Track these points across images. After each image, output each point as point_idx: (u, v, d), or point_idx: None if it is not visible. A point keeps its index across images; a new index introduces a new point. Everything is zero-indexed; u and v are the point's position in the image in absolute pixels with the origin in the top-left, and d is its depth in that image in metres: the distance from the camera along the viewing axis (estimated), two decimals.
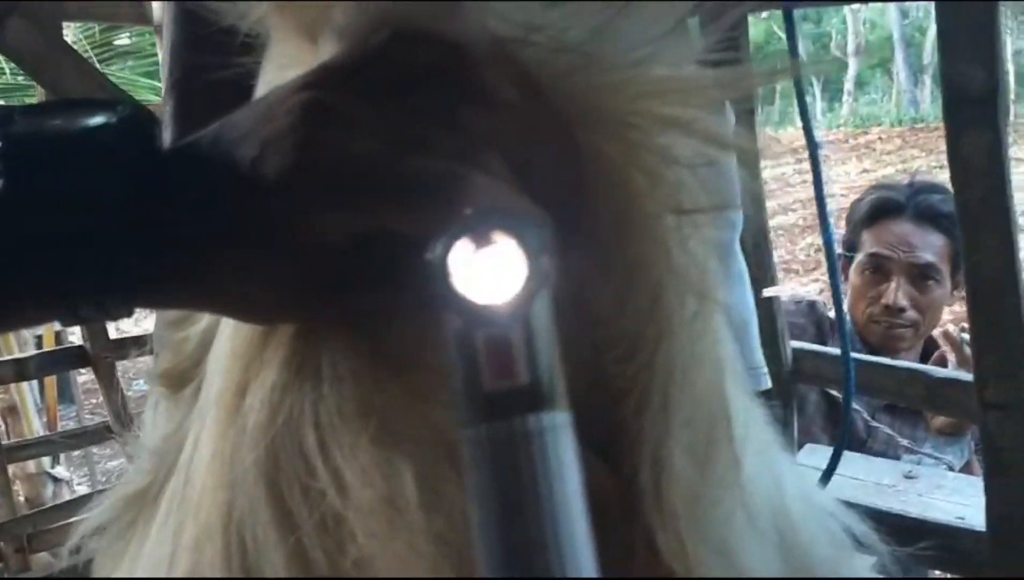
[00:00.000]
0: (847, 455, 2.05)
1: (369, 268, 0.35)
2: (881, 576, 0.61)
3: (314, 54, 0.39)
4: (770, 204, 10.96)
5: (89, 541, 0.49)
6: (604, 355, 0.38)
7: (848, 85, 22.44)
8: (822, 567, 0.46)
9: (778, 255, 8.70)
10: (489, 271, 0.29)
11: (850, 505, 1.47)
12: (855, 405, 2.12)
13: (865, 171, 13.39)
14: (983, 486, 1.19)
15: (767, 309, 1.38)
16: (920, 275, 2.03)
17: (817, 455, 2.02)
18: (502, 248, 0.30)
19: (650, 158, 0.38)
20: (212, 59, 0.45)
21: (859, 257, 2.09)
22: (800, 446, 2.01)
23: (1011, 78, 19.74)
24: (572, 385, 0.36)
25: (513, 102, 0.35)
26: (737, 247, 1.27)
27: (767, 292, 1.37)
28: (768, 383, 1.27)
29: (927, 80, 22.68)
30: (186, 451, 0.44)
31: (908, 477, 1.75)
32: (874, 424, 2.09)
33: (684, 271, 0.39)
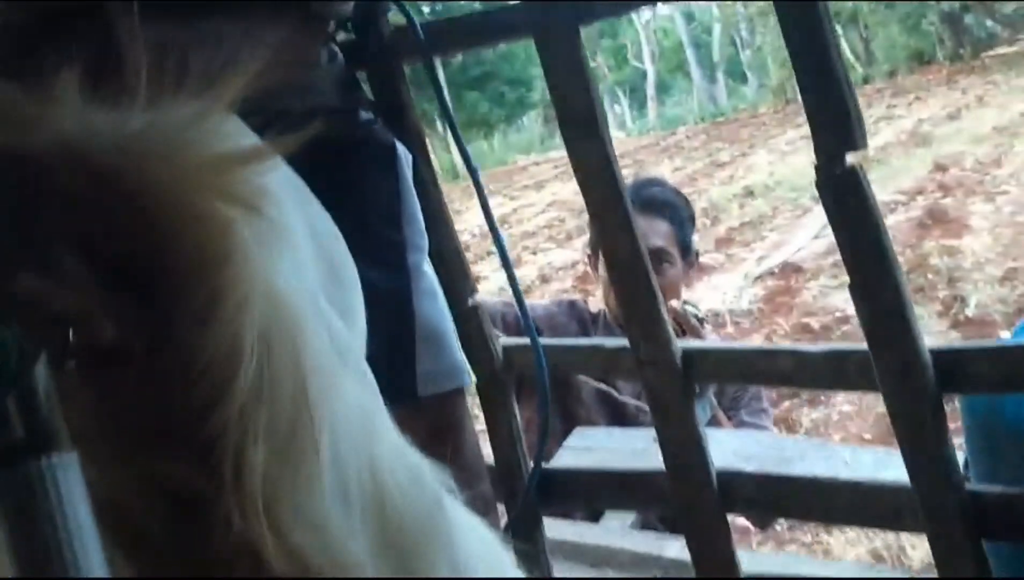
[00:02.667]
0: (610, 431, 2.28)
1: None
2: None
3: None
4: None
5: None
6: (191, 377, 0.46)
7: (650, 92, 23.52)
8: (414, 525, 0.54)
9: None
10: None
11: (606, 471, 1.65)
12: (620, 392, 2.36)
13: (677, 169, 14.14)
14: (656, 433, 1.41)
15: (474, 315, 1.56)
16: (655, 259, 2.28)
17: (587, 437, 2.25)
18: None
19: (202, 221, 0.46)
20: None
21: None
22: (570, 425, 2.23)
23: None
24: (172, 407, 0.46)
25: (80, 195, 0.42)
26: (426, 267, 1.45)
27: (471, 301, 1.56)
28: (470, 379, 1.45)
29: (720, 76, 24.02)
30: None
31: (656, 440, 1.99)
32: (637, 404, 2.33)
33: (251, 300, 0.47)
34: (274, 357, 0.47)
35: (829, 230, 1.16)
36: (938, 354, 1.14)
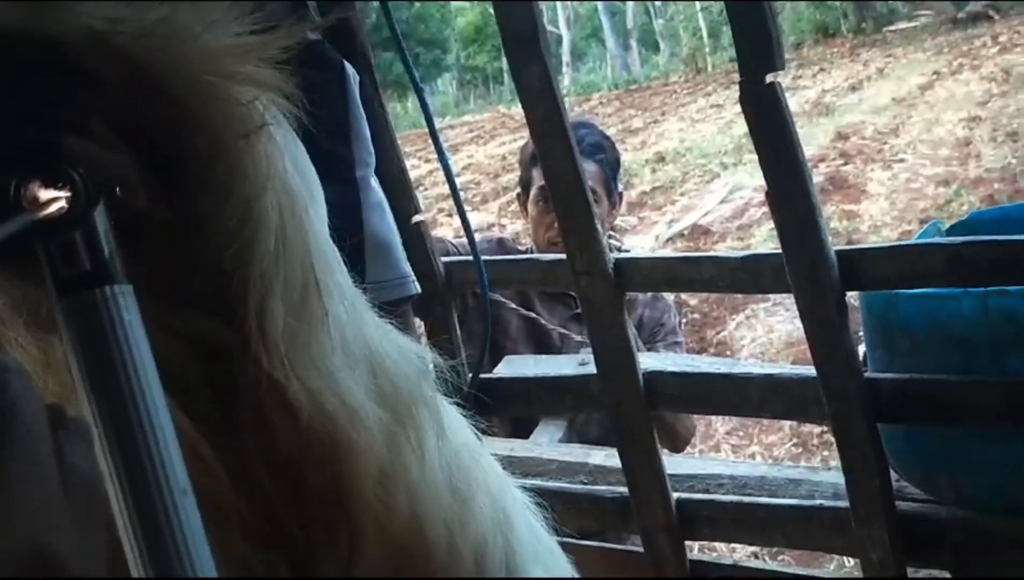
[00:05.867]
0: (538, 359, 2.39)
1: None
2: None
3: None
4: (511, 177, 11.54)
5: None
6: (213, 244, 0.50)
7: (565, 57, 23.66)
8: (405, 386, 0.60)
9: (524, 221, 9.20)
10: (55, 199, 0.43)
11: (540, 377, 1.73)
12: (546, 322, 2.46)
13: None
14: (588, 341, 1.52)
15: (418, 233, 1.65)
16: None
17: (515, 364, 2.35)
18: (63, 183, 0.43)
19: (222, 101, 0.49)
20: None
21: (532, 192, 2.41)
22: (498, 357, 2.33)
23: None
24: (194, 269, 0.51)
25: (109, 77, 0.46)
26: (373, 181, 1.53)
27: (415, 219, 1.65)
28: (417, 289, 1.53)
29: (634, 44, 24.29)
30: None
31: (581, 364, 2.11)
32: (563, 332, 2.45)
33: (265, 177, 0.51)
34: (287, 228, 0.52)
35: (736, 195, 1.28)
36: (842, 255, 1.28)
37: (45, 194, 0.42)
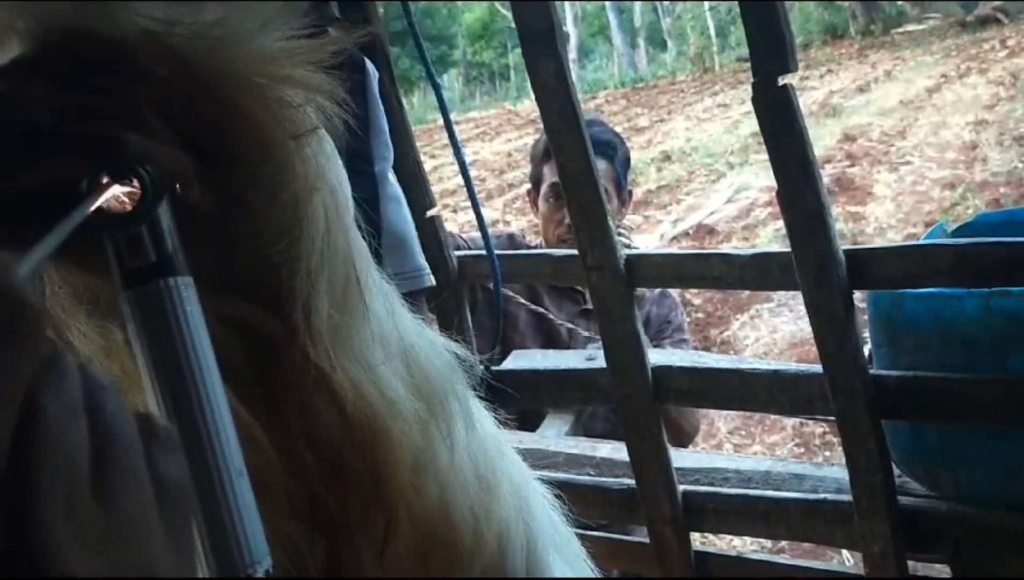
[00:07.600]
0: (546, 354, 2.41)
1: (54, 212, 0.41)
2: None
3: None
4: (516, 173, 11.57)
5: None
6: (260, 239, 0.52)
7: (572, 54, 23.69)
8: (437, 378, 0.62)
9: (528, 218, 9.22)
10: (124, 194, 0.45)
11: (551, 370, 1.77)
12: (555, 317, 2.49)
13: None
14: (599, 335, 1.55)
15: (432, 227, 1.68)
16: None
17: (524, 358, 2.38)
18: (132, 179, 0.45)
19: (273, 103, 0.51)
20: None
21: (543, 188, 2.44)
22: (506, 351, 2.36)
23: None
24: (241, 262, 0.54)
25: (164, 76, 0.47)
26: (391, 175, 1.56)
27: (429, 213, 1.67)
28: (432, 282, 1.57)
29: (641, 42, 24.28)
30: None
31: (589, 359, 2.14)
32: (571, 326, 2.47)
33: (314, 178, 0.53)
34: (332, 227, 0.54)
35: (741, 195, 1.31)
36: (851, 254, 1.30)
37: (113, 189, 0.44)
